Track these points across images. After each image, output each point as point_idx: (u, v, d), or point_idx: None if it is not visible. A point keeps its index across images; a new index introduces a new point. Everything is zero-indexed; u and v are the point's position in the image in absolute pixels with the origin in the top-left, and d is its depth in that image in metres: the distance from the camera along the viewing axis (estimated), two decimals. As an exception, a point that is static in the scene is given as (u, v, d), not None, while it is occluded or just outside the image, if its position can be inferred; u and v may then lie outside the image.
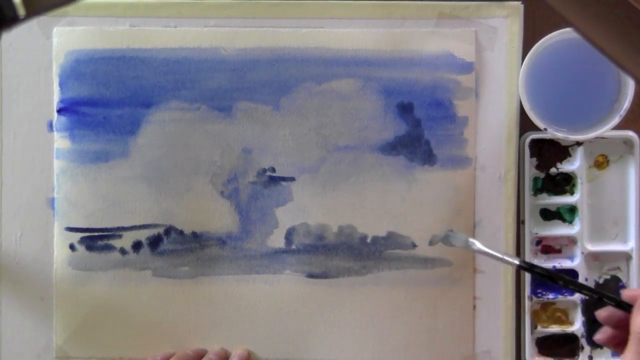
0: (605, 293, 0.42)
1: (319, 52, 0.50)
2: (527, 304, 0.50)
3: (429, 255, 0.50)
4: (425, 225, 0.50)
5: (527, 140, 0.49)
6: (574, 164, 0.50)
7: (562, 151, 0.50)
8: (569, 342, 0.51)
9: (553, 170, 0.50)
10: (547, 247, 0.51)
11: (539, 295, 0.50)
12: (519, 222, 0.50)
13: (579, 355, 0.50)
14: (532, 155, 0.50)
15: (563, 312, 0.51)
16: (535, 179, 0.51)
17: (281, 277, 0.51)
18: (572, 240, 0.50)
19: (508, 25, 0.50)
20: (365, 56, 0.50)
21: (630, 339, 0.40)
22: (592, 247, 0.50)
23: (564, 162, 0.50)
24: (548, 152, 0.50)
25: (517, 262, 0.44)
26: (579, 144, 0.50)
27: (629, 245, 0.50)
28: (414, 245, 0.50)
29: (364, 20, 0.50)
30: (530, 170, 0.50)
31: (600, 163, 0.51)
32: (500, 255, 0.44)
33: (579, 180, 0.50)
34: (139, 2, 0.50)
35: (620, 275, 0.51)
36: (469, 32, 0.50)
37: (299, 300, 0.51)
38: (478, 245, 0.46)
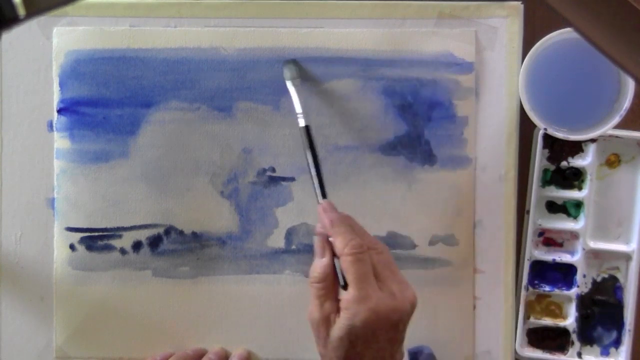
0: (323, 186, 0.44)
1: (319, 52, 0.50)
2: (522, 293, 0.50)
3: (429, 255, 0.50)
4: (425, 225, 0.50)
5: (541, 132, 0.49)
6: (586, 160, 0.50)
7: (575, 146, 0.50)
8: (560, 336, 0.51)
9: (564, 164, 0.50)
10: (549, 240, 0.51)
11: (536, 286, 0.51)
12: (524, 212, 0.50)
13: (568, 350, 0.50)
14: (544, 147, 0.50)
15: (557, 306, 0.51)
16: (545, 171, 0.50)
17: (281, 277, 0.51)
18: (574, 236, 0.51)
19: (508, 25, 0.50)
20: (365, 56, 0.50)
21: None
22: (593, 245, 0.50)
23: (575, 157, 0.50)
24: (560, 145, 0.50)
25: (303, 124, 0.46)
26: (592, 140, 0.50)
27: (631, 247, 0.50)
28: (414, 245, 0.50)
29: (364, 20, 0.50)
30: (541, 161, 0.50)
31: (612, 162, 0.51)
32: (297, 112, 0.47)
33: (588, 177, 0.50)
34: (139, 2, 0.50)
35: (618, 275, 0.51)
36: (469, 32, 0.50)
37: (299, 300, 0.51)
38: (290, 87, 0.48)
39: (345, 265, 0.39)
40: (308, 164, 0.45)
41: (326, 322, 0.40)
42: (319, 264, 0.41)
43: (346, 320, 0.38)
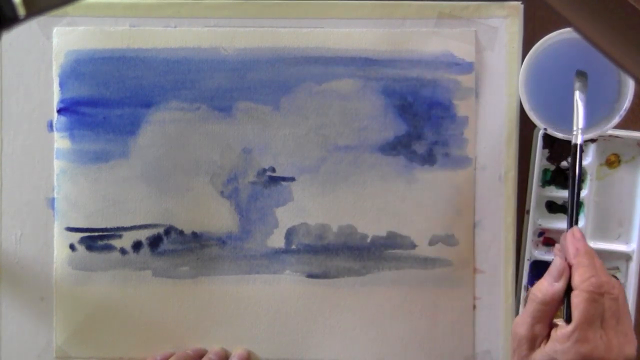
0: (578, 212, 0.43)
1: (319, 52, 0.50)
2: (522, 293, 0.50)
3: (429, 255, 0.50)
4: (425, 225, 0.50)
5: (541, 132, 0.49)
6: (586, 160, 0.50)
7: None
8: None
9: (564, 164, 0.50)
10: (549, 240, 0.51)
11: None
12: (524, 212, 0.51)
13: None
14: (544, 147, 0.50)
15: None
16: (545, 171, 0.50)
17: (281, 277, 0.51)
18: (574, 235, 0.51)
19: (508, 25, 0.50)
20: (365, 56, 0.50)
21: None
22: (593, 245, 0.50)
23: None
24: (560, 145, 0.50)
25: (578, 140, 0.43)
26: (592, 140, 0.50)
27: (631, 247, 0.50)
28: (414, 245, 0.50)
29: (364, 20, 0.50)
30: (541, 161, 0.50)
31: (612, 162, 0.51)
32: (577, 128, 0.43)
33: (588, 177, 0.50)
34: (139, 2, 0.50)
35: (618, 275, 0.51)
36: (469, 32, 0.50)
37: (299, 300, 0.51)
38: (578, 98, 0.44)
39: (578, 300, 0.38)
40: (570, 184, 0.42)
41: (531, 343, 0.39)
42: (550, 287, 0.40)
43: (553, 353, 0.38)
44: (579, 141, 0.43)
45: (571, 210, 0.42)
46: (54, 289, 0.51)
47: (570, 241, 0.41)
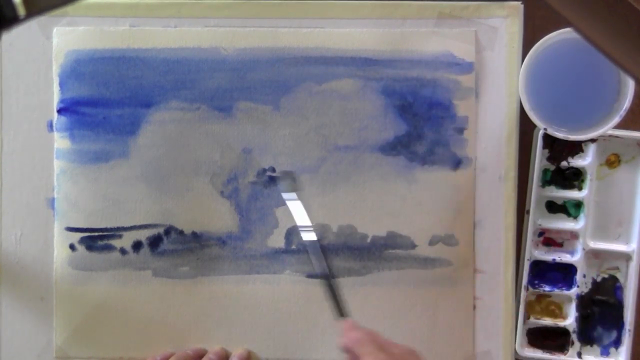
0: (341, 302, 0.45)
1: (319, 52, 0.50)
2: (522, 293, 0.50)
3: (429, 255, 0.50)
4: (425, 225, 0.50)
5: (541, 132, 0.49)
6: (586, 160, 0.50)
7: (575, 146, 0.50)
8: (560, 336, 0.51)
9: (564, 163, 0.50)
10: (549, 240, 0.51)
11: (536, 286, 0.51)
12: (524, 212, 0.51)
13: (568, 350, 0.50)
14: (544, 147, 0.50)
15: (557, 306, 0.51)
16: (545, 171, 0.51)
17: (281, 277, 0.51)
18: (574, 235, 0.51)
19: (508, 25, 0.50)
20: (365, 56, 0.50)
21: None
22: (593, 245, 0.50)
23: (575, 157, 0.50)
24: (560, 145, 0.50)
25: (311, 238, 0.46)
26: (592, 140, 0.50)
27: (631, 247, 0.50)
28: (414, 245, 0.50)
29: (364, 20, 0.50)
30: (541, 161, 0.50)
31: (612, 162, 0.51)
32: (299, 225, 0.47)
33: (588, 177, 0.50)
34: (139, 2, 0.50)
35: (618, 275, 0.51)
36: (469, 32, 0.50)
37: (299, 300, 0.51)
38: (286, 196, 0.48)
39: None
40: (321, 279, 0.45)
41: None
42: None
43: None
44: (310, 238, 0.47)
45: (336, 301, 0.44)
46: (54, 289, 0.51)
47: (349, 334, 0.42)
